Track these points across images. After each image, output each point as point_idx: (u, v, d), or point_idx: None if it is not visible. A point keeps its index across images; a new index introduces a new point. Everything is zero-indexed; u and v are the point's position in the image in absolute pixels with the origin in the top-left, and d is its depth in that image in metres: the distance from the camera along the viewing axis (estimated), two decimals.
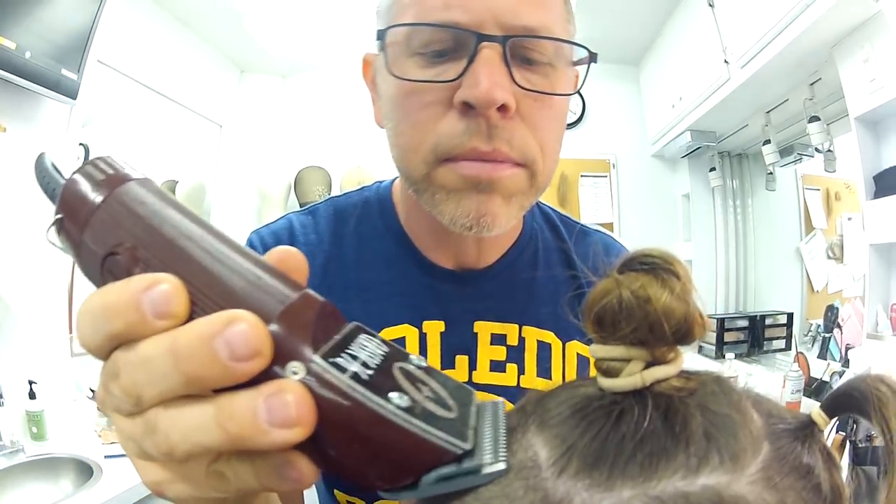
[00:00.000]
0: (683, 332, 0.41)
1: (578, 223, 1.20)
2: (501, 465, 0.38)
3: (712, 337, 4.09)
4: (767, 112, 3.57)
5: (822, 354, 3.38)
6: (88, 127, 3.25)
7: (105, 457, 2.71)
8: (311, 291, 0.41)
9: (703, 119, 3.88)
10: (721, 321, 4.21)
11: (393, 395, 0.37)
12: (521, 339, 1.03)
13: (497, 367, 1.01)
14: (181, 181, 4.39)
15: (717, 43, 3.28)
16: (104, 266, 0.42)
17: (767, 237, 4.71)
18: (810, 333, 3.78)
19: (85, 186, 0.44)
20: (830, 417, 0.42)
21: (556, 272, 1.08)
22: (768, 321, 4.28)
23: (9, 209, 2.80)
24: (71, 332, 3.18)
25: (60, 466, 2.70)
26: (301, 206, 4.25)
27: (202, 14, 3.95)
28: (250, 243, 1.02)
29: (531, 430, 0.43)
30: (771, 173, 4.33)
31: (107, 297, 0.38)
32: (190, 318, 0.37)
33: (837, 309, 3.31)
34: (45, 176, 0.49)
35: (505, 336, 1.02)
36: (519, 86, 0.78)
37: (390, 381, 0.38)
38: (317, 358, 0.36)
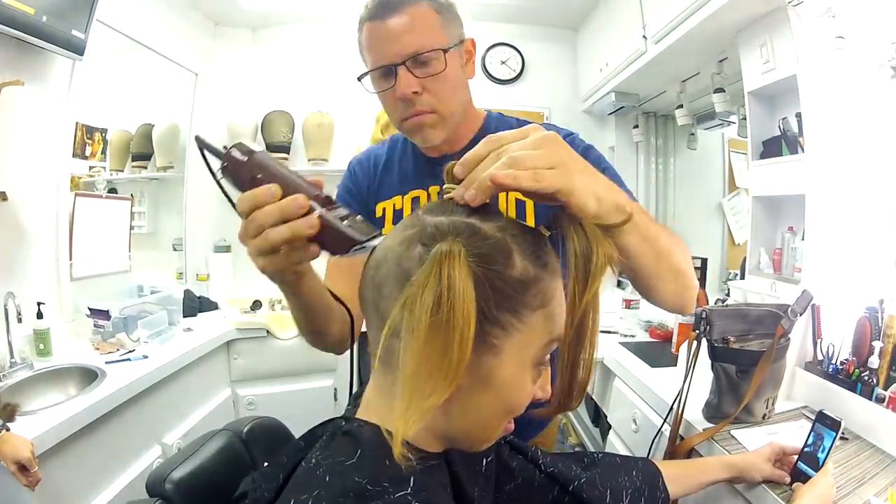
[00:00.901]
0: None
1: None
2: (380, 238, 0.96)
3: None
4: (683, 81, 3.92)
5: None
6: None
7: (106, 363, 3.05)
8: (321, 192, 0.98)
9: (626, 83, 4.25)
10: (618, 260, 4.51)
11: (344, 222, 0.95)
12: None
13: None
14: (157, 124, 4.59)
15: (638, 19, 3.63)
16: (251, 184, 0.95)
17: (689, 191, 5.00)
18: (728, 280, 3.98)
19: (237, 153, 0.99)
20: (548, 230, 0.93)
21: None
22: None
23: (25, 152, 3.08)
24: (71, 259, 3.46)
25: (67, 375, 3.02)
26: (266, 147, 4.57)
27: None
28: (351, 166, 1.87)
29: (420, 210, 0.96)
30: (692, 134, 4.65)
31: (256, 192, 0.93)
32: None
33: None
34: (208, 147, 1.02)
35: None
36: (420, 78, 1.55)
37: (345, 219, 0.96)
38: (323, 210, 0.94)
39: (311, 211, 0.93)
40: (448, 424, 0.91)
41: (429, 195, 1.73)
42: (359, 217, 0.99)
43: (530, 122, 1.68)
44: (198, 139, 1.03)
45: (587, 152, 1.73)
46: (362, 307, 0.95)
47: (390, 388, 0.86)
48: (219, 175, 1.01)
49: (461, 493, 0.98)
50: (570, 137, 1.76)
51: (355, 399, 1.07)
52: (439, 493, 0.91)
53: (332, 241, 0.95)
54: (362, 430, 0.91)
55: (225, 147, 1.01)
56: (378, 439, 0.86)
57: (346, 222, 0.96)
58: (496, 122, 1.84)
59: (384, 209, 1.76)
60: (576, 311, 0.83)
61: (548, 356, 0.92)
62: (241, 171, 0.98)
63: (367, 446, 0.88)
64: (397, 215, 1.74)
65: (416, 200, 1.74)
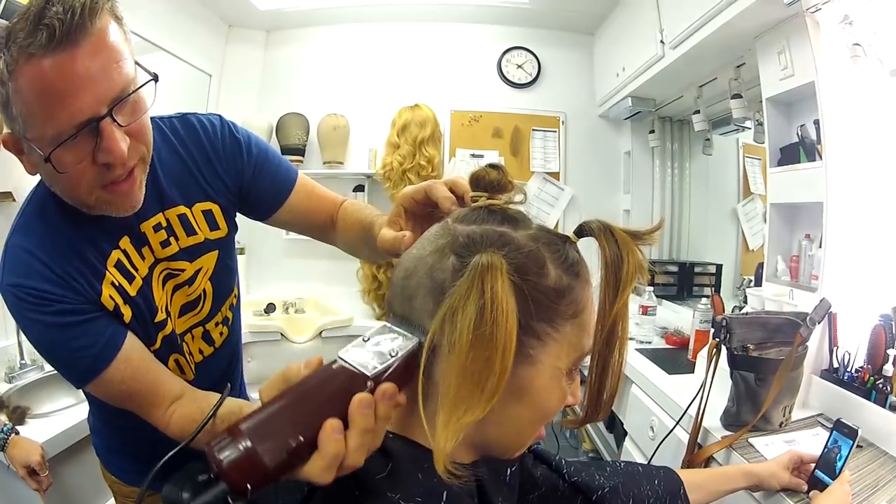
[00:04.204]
0: (501, 187, 0.97)
1: (183, 114, 1.58)
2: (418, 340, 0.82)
3: (643, 280, 4.38)
4: (700, 86, 3.92)
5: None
6: None
7: None
8: (331, 363, 0.77)
9: (642, 88, 4.23)
10: (651, 264, 4.48)
11: (393, 355, 0.78)
12: (167, 220, 1.48)
13: (164, 244, 1.48)
14: None
15: (656, 24, 3.62)
16: (290, 459, 0.69)
17: (704, 197, 4.97)
18: (742, 286, 3.97)
19: (240, 460, 0.66)
20: (578, 236, 0.92)
21: (169, 165, 1.49)
22: (697, 269, 4.56)
23: None
24: None
25: None
26: (281, 150, 4.50)
27: None
28: (41, 293, 1.27)
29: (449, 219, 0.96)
30: (708, 139, 4.62)
31: (326, 457, 0.70)
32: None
33: None
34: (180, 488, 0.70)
35: (160, 223, 1.46)
36: (125, 126, 1.16)
37: (375, 348, 0.79)
38: (369, 373, 0.75)
39: (366, 386, 0.75)
40: (482, 434, 0.91)
41: (125, 252, 1.41)
42: (368, 335, 0.83)
43: (181, 117, 1.57)
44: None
45: (247, 145, 1.63)
46: (390, 318, 0.94)
47: (427, 401, 0.84)
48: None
49: (486, 502, 0.98)
50: (212, 128, 1.59)
51: None
52: None
53: (403, 376, 0.79)
54: (393, 442, 0.91)
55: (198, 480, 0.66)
56: (410, 453, 0.86)
57: (389, 353, 0.79)
58: (155, 141, 1.38)
59: (111, 297, 1.35)
60: (606, 319, 0.84)
61: (579, 364, 0.92)
62: (267, 469, 0.68)
63: (399, 460, 0.87)
64: (124, 294, 1.39)
65: (119, 265, 1.39)
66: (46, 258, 1.27)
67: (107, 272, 1.35)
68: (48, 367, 3.07)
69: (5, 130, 1.18)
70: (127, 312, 1.38)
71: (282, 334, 4.35)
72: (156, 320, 1.46)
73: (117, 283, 1.37)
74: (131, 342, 1.36)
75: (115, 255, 1.38)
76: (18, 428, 2.31)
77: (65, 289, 1.27)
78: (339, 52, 5.09)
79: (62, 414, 2.53)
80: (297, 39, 5.14)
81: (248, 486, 0.66)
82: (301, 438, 0.69)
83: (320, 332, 4.42)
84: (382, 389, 0.74)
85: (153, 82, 1.23)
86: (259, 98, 5.10)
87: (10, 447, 2.19)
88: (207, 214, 1.56)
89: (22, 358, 3.01)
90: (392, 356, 0.78)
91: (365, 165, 4.98)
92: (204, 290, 1.61)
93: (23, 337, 2.95)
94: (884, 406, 2.06)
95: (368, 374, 0.75)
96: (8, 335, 3.01)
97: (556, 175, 5.15)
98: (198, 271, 1.57)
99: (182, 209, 1.51)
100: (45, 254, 1.27)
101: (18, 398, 2.73)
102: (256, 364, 4.29)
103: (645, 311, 3.81)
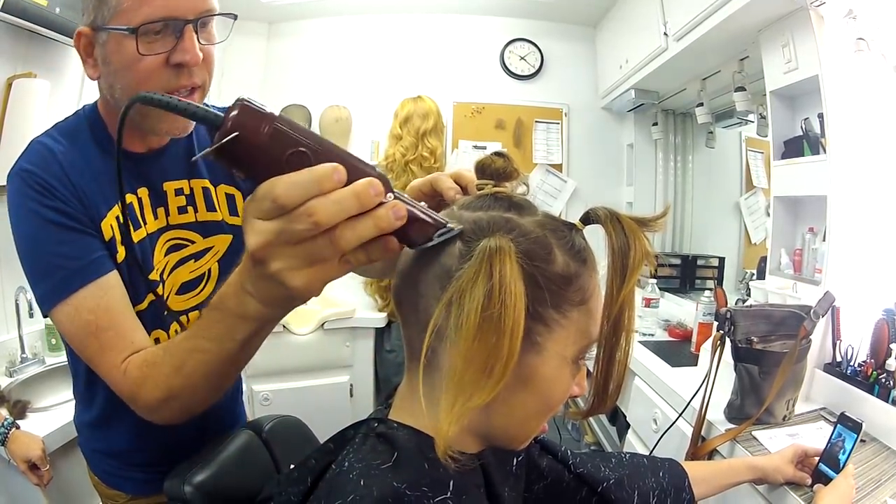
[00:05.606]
0: (506, 175, 0.95)
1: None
2: (461, 227, 0.83)
3: (647, 271, 4.36)
4: (703, 79, 3.90)
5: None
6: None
7: None
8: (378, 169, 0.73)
9: (646, 80, 4.22)
10: (654, 256, 4.47)
11: (421, 203, 0.78)
12: (191, 188, 1.54)
13: (182, 210, 1.52)
14: None
15: (659, 16, 3.61)
16: (287, 160, 0.67)
17: (707, 190, 4.96)
18: (745, 280, 4.00)
19: (255, 114, 0.66)
20: (584, 224, 0.91)
21: (206, 143, 1.54)
22: (700, 262, 4.56)
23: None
24: None
25: None
26: None
27: None
28: (41, 179, 1.30)
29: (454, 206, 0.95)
30: (711, 132, 4.62)
31: (313, 173, 0.66)
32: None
33: None
34: (193, 111, 0.69)
35: (182, 188, 1.52)
36: (202, 44, 1.27)
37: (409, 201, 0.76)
38: (397, 192, 0.73)
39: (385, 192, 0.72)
40: (488, 423, 0.91)
41: (140, 201, 1.44)
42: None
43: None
44: (154, 98, 0.69)
45: None
46: (396, 304, 0.94)
47: (430, 388, 0.85)
48: (223, 145, 0.66)
49: (492, 493, 0.99)
50: None
51: (386, 399, 1.07)
52: (477, 496, 0.92)
53: (413, 228, 0.76)
54: (398, 432, 0.91)
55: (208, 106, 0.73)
56: (416, 442, 0.87)
57: (422, 204, 0.80)
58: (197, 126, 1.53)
59: (111, 227, 1.36)
60: (613, 306, 0.84)
61: (586, 353, 0.92)
62: (264, 142, 0.66)
63: (404, 449, 0.87)
64: (125, 233, 1.37)
65: (129, 208, 1.41)
66: (67, 165, 1.31)
67: (116, 205, 1.37)
68: (49, 361, 3.08)
69: (81, 26, 1.32)
70: (121, 252, 1.38)
71: (283, 325, 4.31)
72: (149, 277, 1.45)
73: (123, 222, 1.37)
74: (116, 278, 1.34)
75: (129, 197, 1.42)
76: (19, 422, 2.30)
77: (73, 196, 1.30)
78: (341, 44, 5.07)
79: (63, 408, 2.51)
80: (299, 31, 5.12)
81: (237, 133, 0.65)
82: (308, 152, 0.69)
83: (322, 324, 4.40)
84: (393, 202, 0.71)
85: (232, 20, 1.38)
86: (261, 90, 5.05)
87: (10, 441, 2.19)
88: (230, 199, 1.61)
89: (23, 352, 3.01)
90: (419, 205, 0.79)
91: (367, 157, 4.93)
92: (209, 270, 1.61)
93: (24, 331, 2.99)
94: (886, 401, 2.06)
95: (394, 193, 0.73)
96: (9, 329, 3.01)
97: (558, 167, 5.14)
98: (208, 249, 1.59)
99: (207, 183, 1.57)
100: (66, 161, 1.32)
101: (19, 392, 2.72)
102: (258, 356, 4.17)
103: (648, 303, 3.82)
